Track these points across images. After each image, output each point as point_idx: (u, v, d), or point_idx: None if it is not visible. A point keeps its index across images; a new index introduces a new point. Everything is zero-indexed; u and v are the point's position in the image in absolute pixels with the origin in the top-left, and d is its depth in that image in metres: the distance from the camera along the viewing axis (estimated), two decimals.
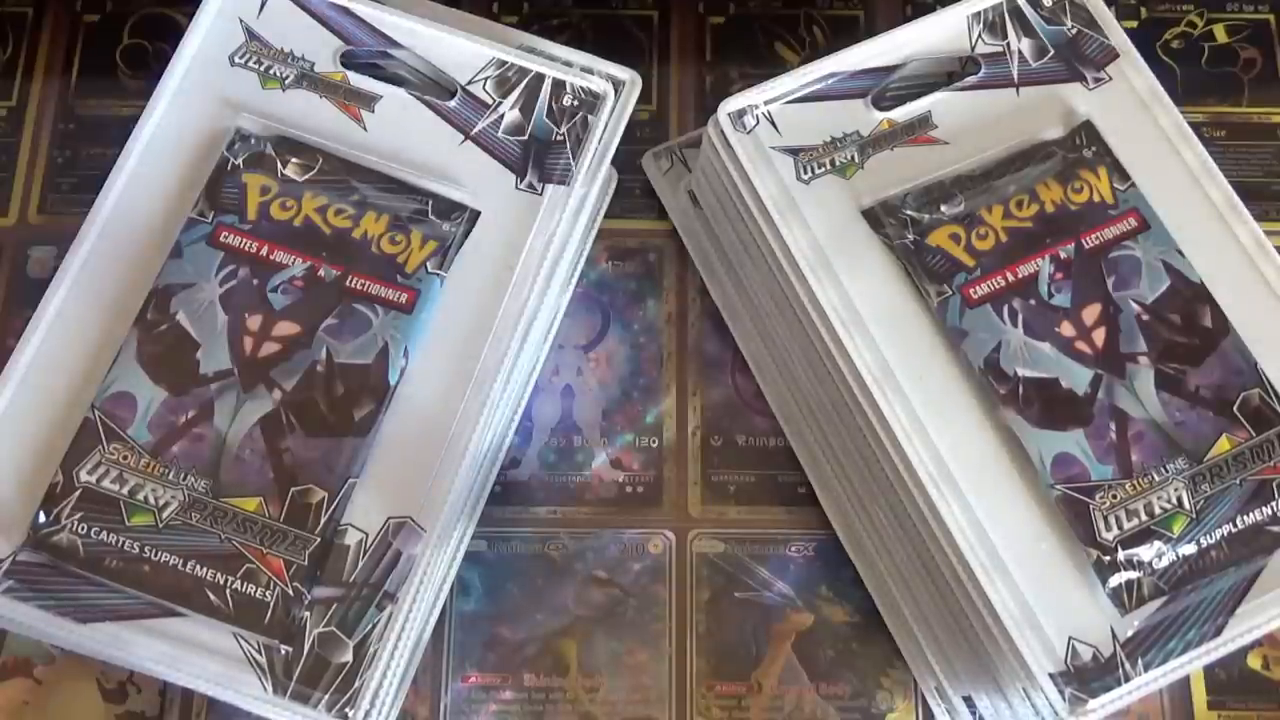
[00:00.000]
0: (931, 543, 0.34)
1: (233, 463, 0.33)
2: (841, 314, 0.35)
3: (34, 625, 0.32)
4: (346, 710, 0.31)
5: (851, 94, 0.37)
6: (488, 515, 0.41)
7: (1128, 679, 0.32)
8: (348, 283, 0.34)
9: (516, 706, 0.40)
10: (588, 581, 0.41)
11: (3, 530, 0.32)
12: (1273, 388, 0.34)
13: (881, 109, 0.37)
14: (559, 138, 0.37)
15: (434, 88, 0.38)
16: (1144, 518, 0.32)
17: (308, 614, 0.32)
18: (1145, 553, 0.32)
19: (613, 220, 0.45)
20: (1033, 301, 0.35)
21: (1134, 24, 0.48)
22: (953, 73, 0.39)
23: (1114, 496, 0.33)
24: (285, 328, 0.34)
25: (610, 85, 0.37)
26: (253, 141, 0.36)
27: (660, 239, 0.45)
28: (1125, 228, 0.35)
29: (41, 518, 0.32)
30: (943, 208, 0.36)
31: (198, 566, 0.32)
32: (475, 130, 0.37)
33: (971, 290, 0.35)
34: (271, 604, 0.32)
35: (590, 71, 0.38)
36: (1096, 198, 0.36)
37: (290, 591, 0.32)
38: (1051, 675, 0.32)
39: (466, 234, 0.35)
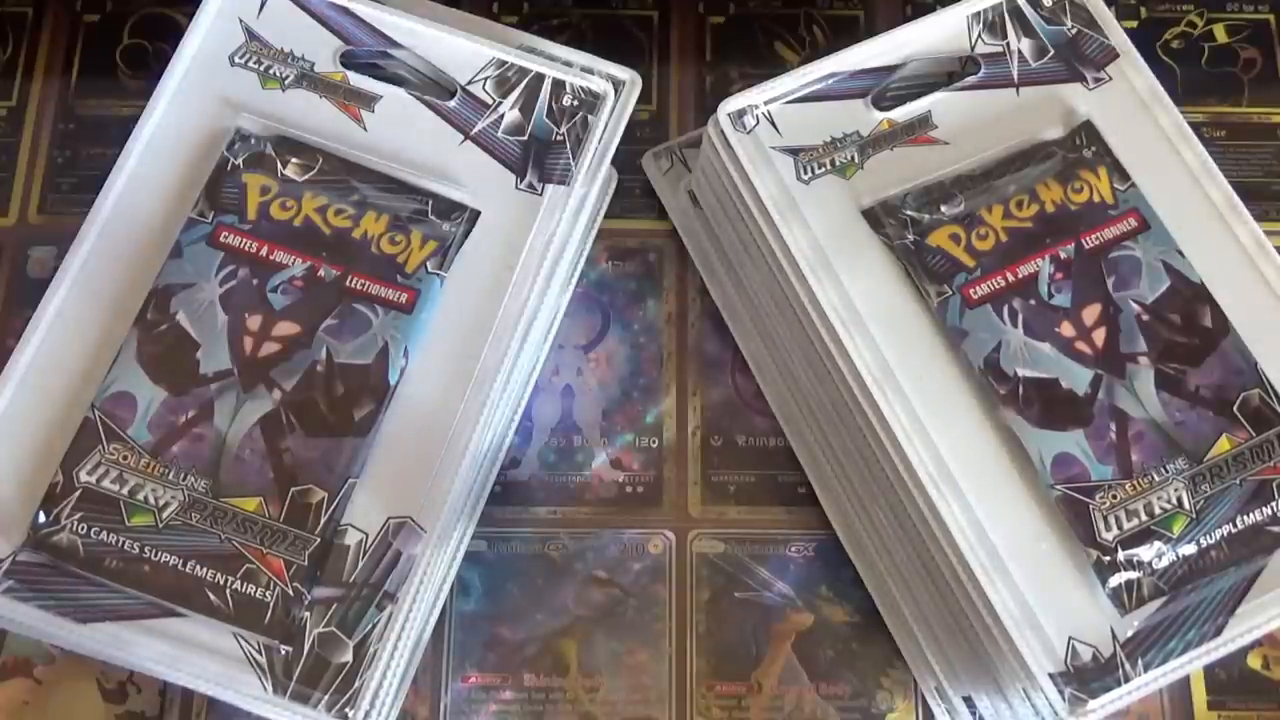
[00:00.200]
0: (931, 543, 0.34)
1: (233, 463, 0.33)
2: (841, 314, 0.35)
3: (34, 625, 0.32)
4: (346, 710, 0.31)
5: (851, 94, 0.37)
6: (488, 515, 0.41)
7: (1128, 679, 0.32)
8: (348, 283, 0.34)
9: (516, 706, 0.40)
10: (588, 581, 0.41)
11: (3, 530, 0.32)
12: (1273, 388, 0.34)
13: (881, 109, 0.37)
14: (559, 138, 0.37)
15: (434, 88, 0.38)
16: (1144, 518, 0.32)
17: (308, 614, 0.32)
18: (1145, 553, 0.32)
19: (613, 220, 0.45)
20: (1033, 301, 0.35)
21: (1134, 24, 0.48)
22: (953, 73, 0.39)
23: (1114, 496, 0.33)
24: (285, 328, 0.34)
25: (610, 85, 0.37)
26: (253, 141, 0.36)
27: (660, 239, 0.45)
28: (1125, 228, 0.35)
29: (41, 518, 0.32)
30: (943, 208, 0.36)
31: (198, 566, 0.32)
32: (475, 130, 0.37)
33: (971, 290, 0.35)
34: (271, 604, 0.32)
35: (590, 71, 0.38)
36: (1096, 198, 0.36)
37: (290, 591, 0.32)
38: (1051, 675, 0.32)
39: (466, 234, 0.35)
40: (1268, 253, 0.35)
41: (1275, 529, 0.33)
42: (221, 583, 0.32)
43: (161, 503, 0.32)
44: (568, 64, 0.38)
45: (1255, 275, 0.35)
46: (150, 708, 0.40)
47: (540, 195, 0.36)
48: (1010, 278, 0.35)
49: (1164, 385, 0.34)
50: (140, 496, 0.32)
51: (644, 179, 0.45)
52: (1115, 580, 0.32)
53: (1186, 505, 0.33)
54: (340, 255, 0.35)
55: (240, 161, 0.35)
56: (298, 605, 0.32)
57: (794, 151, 0.37)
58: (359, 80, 0.37)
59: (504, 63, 0.37)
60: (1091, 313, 0.35)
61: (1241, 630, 0.32)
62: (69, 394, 0.33)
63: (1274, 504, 0.33)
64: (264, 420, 0.33)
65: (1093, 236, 0.35)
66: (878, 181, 0.36)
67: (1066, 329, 0.34)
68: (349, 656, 0.32)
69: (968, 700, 0.39)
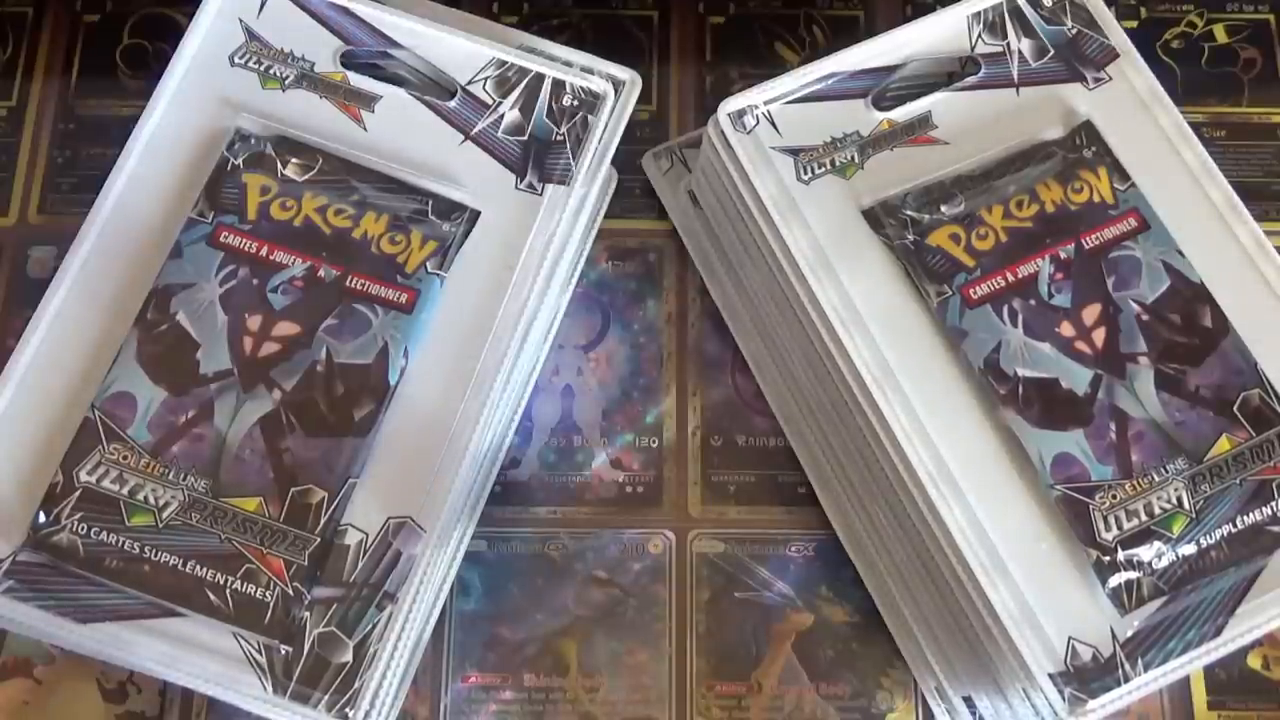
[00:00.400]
0: (931, 543, 0.34)
1: (233, 463, 0.33)
2: (841, 314, 0.35)
3: (34, 625, 0.32)
4: (346, 710, 0.31)
5: (851, 94, 0.37)
6: (488, 515, 0.41)
7: (1127, 679, 0.32)
8: (348, 283, 0.34)
9: (516, 706, 0.40)
10: (588, 581, 0.41)
11: (3, 530, 0.32)
12: (1273, 388, 0.34)
13: (881, 109, 0.37)
14: (559, 138, 0.37)
15: (434, 88, 0.38)
16: (1144, 518, 0.32)
17: (308, 614, 0.32)
18: (1145, 553, 0.32)
19: (613, 220, 0.45)
20: (1033, 301, 0.35)
21: (1134, 24, 0.48)
22: (953, 73, 0.39)
23: (1114, 497, 0.33)
24: (285, 328, 0.34)
25: (610, 85, 0.37)
26: (253, 141, 0.36)
27: (660, 239, 0.45)
28: (1125, 228, 0.35)
29: (41, 518, 0.32)
30: (943, 208, 0.36)
31: (198, 566, 0.32)
32: (475, 130, 0.37)
33: (971, 290, 0.35)
34: (271, 604, 0.32)
35: (590, 71, 0.38)
36: (1096, 198, 0.36)
37: (290, 591, 0.32)
38: (1051, 675, 0.32)
39: (466, 234, 0.35)
40: (1268, 253, 0.35)
41: (1275, 529, 0.33)
42: (221, 583, 0.32)
43: (161, 503, 0.32)
44: (568, 64, 0.38)
45: (1255, 275, 0.35)
46: (150, 708, 0.40)
47: (540, 195, 0.36)
48: (1010, 278, 0.35)
49: (1164, 385, 0.34)
50: (140, 496, 0.32)
51: (644, 179, 0.45)
52: (1115, 580, 0.32)
53: (1186, 505, 0.33)
54: (340, 255, 0.35)
55: (240, 161, 0.35)
56: (298, 605, 0.32)
57: (794, 151, 0.37)
58: (359, 80, 0.37)
59: (504, 63, 0.37)
60: (1091, 313, 0.35)
61: (1241, 630, 0.32)
62: (69, 394, 0.33)
63: (1274, 504, 0.33)
64: (264, 420, 0.33)
65: (1093, 236, 0.35)
66: (878, 181, 0.36)
67: (1066, 329, 0.34)
68: (349, 656, 0.32)
69: (968, 700, 0.39)
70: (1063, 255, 0.35)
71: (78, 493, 0.32)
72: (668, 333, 0.44)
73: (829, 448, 0.40)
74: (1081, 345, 0.34)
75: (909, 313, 0.35)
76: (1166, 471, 0.33)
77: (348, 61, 0.37)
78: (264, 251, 0.35)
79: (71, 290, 0.34)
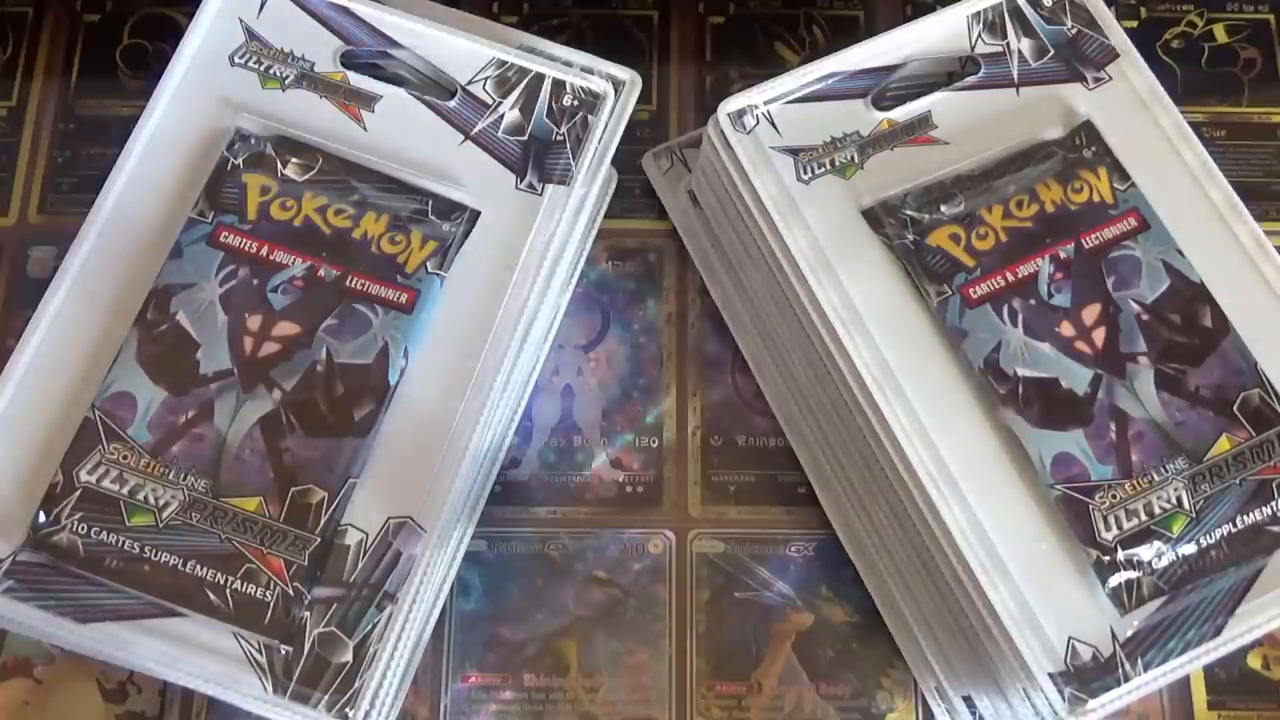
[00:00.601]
0: (931, 543, 0.34)
1: (233, 463, 0.33)
2: (841, 314, 0.35)
3: (34, 625, 0.32)
4: (346, 710, 0.31)
5: (851, 94, 0.37)
6: (488, 515, 0.41)
7: (1127, 679, 0.32)
8: (348, 283, 0.34)
9: (516, 706, 0.40)
10: (588, 581, 0.41)
11: (3, 530, 0.32)
12: (1273, 388, 0.34)
13: (881, 109, 0.37)
14: (559, 138, 0.37)
15: (434, 88, 0.38)
16: (1144, 518, 0.32)
17: (308, 614, 0.32)
18: (1145, 553, 0.32)
19: (613, 220, 0.45)
20: (1033, 301, 0.35)
21: (1134, 24, 0.48)
22: (953, 73, 0.39)
23: (1114, 496, 0.33)
24: (285, 328, 0.34)
25: (610, 85, 0.37)
26: (253, 141, 0.36)
27: (660, 239, 0.45)
28: (1125, 228, 0.35)
29: (41, 518, 0.32)
30: (943, 208, 0.36)
31: (198, 566, 0.32)
32: (475, 130, 0.37)
33: (971, 290, 0.35)
34: (271, 604, 0.32)
35: (590, 71, 0.38)
36: (1096, 198, 0.36)
37: (290, 591, 0.32)
38: (1051, 675, 0.32)
39: (466, 234, 0.35)
40: (1268, 253, 0.35)
41: (1275, 529, 0.33)
42: (221, 582, 0.32)
43: (161, 503, 0.32)
44: (568, 64, 0.38)
45: (1255, 275, 0.35)
46: (150, 708, 0.40)
47: (540, 195, 0.36)
48: (1010, 277, 0.35)
49: (1164, 385, 0.34)
50: (140, 496, 0.32)
51: (644, 179, 0.45)
52: (1115, 580, 0.32)
53: (1186, 505, 0.33)
54: (340, 255, 0.35)
55: (240, 161, 0.35)
56: (298, 605, 0.32)
57: (794, 151, 0.37)
58: (359, 80, 0.37)
59: (504, 63, 0.37)
60: (1091, 312, 0.35)
61: (1241, 630, 0.32)
62: (69, 394, 0.33)
63: (1274, 504, 0.33)
64: (264, 420, 0.33)
65: (1093, 236, 0.35)
66: (878, 181, 0.36)
67: (1066, 329, 0.34)
68: (349, 656, 0.32)
69: (968, 700, 0.39)
70: (1063, 255, 0.35)
71: (78, 493, 0.32)
72: (668, 333, 0.44)
73: (829, 448, 0.40)
74: (1081, 345, 0.34)
75: (909, 313, 0.35)
76: (1166, 471, 0.33)
77: (348, 61, 0.37)
78: (264, 251, 0.35)
79: (71, 290, 0.34)
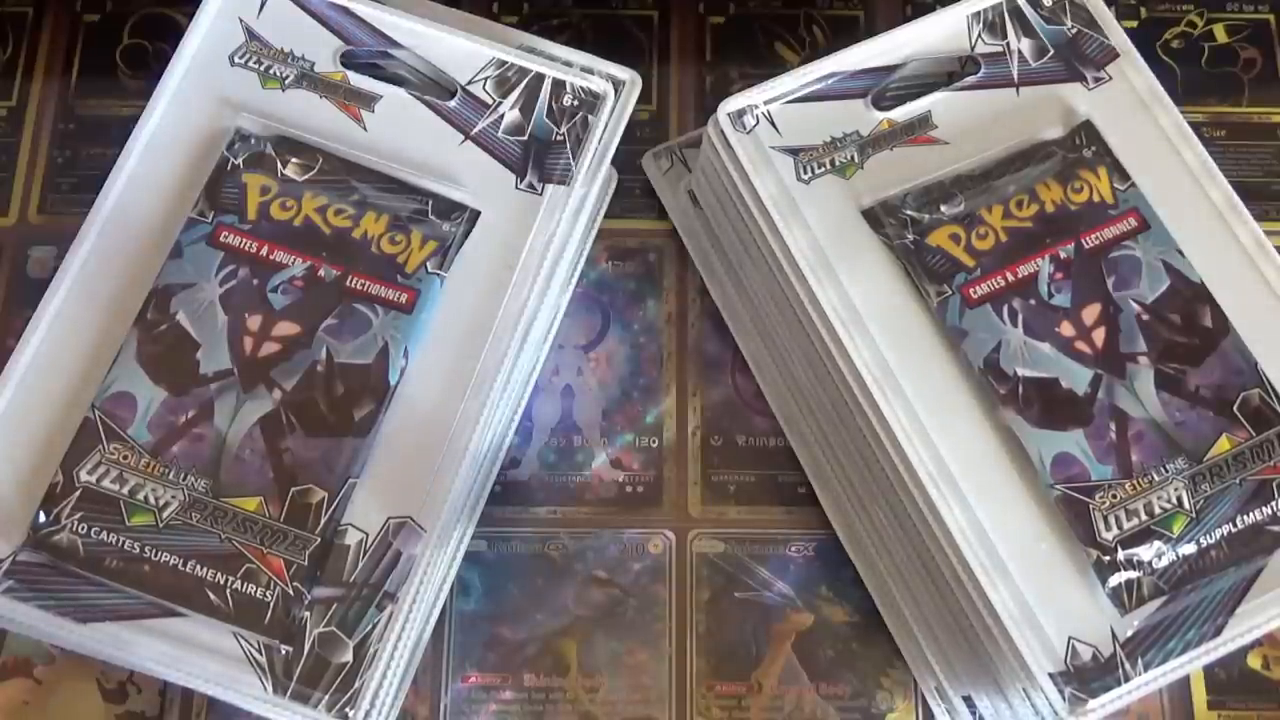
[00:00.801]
0: (931, 543, 0.34)
1: (233, 463, 0.33)
2: (841, 314, 0.35)
3: (34, 625, 0.32)
4: (347, 710, 0.31)
5: (851, 94, 0.37)
6: (488, 515, 0.41)
7: (1127, 679, 0.32)
8: (348, 283, 0.34)
9: (516, 706, 0.40)
10: (588, 581, 0.41)
11: (3, 530, 0.32)
12: (1273, 388, 0.34)
13: (881, 109, 0.37)
14: (559, 138, 0.37)
15: (434, 88, 0.38)
16: (1144, 518, 0.32)
17: (308, 614, 0.32)
18: (1145, 553, 0.32)
19: (613, 220, 0.45)
20: (1033, 301, 0.35)
21: (1134, 24, 0.48)
22: (953, 73, 0.39)
23: (1114, 496, 0.33)
24: (285, 328, 0.34)
25: (610, 85, 0.37)
26: (253, 141, 0.36)
27: (660, 239, 0.45)
28: (1125, 228, 0.35)
29: (41, 518, 0.32)
30: (943, 208, 0.36)
31: (198, 566, 0.32)
32: (475, 130, 0.37)
33: (971, 290, 0.35)
34: (271, 604, 0.32)
35: (590, 71, 0.38)
36: (1096, 198, 0.36)
37: (290, 591, 0.32)
38: (1051, 675, 0.32)
39: (466, 234, 0.35)
40: (1268, 253, 0.35)
41: (1275, 529, 0.33)
42: (221, 582, 0.32)
43: (161, 502, 0.32)
44: (568, 64, 0.38)
45: (1255, 275, 0.35)
46: (150, 708, 0.40)
47: (540, 195, 0.36)
48: (1010, 277, 0.35)
49: (1164, 385, 0.34)
50: (140, 496, 0.32)
51: (644, 179, 0.45)
52: (1115, 580, 0.32)
53: (1186, 505, 0.33)
54: (340, 255, 0.35)
55: (240, 161, 0.35)
56: (298, 605, 0.32)
57: (794, 151, 0.37)
58: (359, 80, 0.37)
59: (504, 63, 0.37)
60: (1091, 312, 0.35)
61: (1241, 630, 0.32)
62: (69, 394, 0.33)
63: (1274, 504, 0.33)
64: (264, 420, 0.33)
65: (1093, 236, 0.35)
66: (878, 181, 0.36)
67: (1066, 329, 0.34)
68: (349, 656, 0.32)
69: (968, 700, 0.39)
70: (1063, 255, 0.35)
71: (78, 492, 0.32)
72: (668, 333, 0.44)
73: (829, 448, 0.40)
74: (1081, 345, 0.34)
75: (909, 313, 0.35)
76: (1166, 471, 0.33)
77: (348, 61, 0.37)
78: (264, 251, 0.35)
79: (71, 290, 0.34)
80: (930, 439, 0.34)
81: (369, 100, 0.37)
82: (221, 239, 0.35)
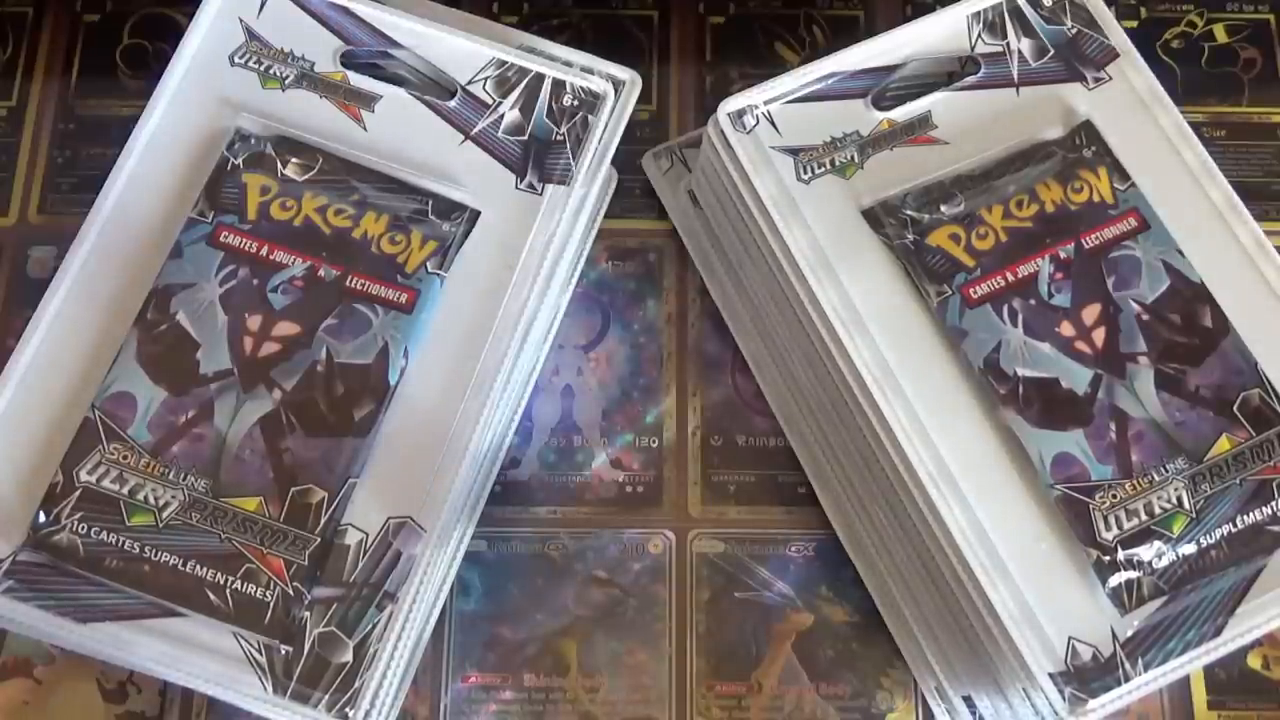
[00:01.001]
0: (931, 543, 0.34)
1: (233, 463, 0.33)
2: (841, 314, 0.35)
3: (34, 625, 0.32)
4: (347, 710, 0.31)
5: (851, 94, 0.37)
6: (488, 515, 0.41)
7: (1128, 679, 0.32)
8: (348, 283, 0.34)
9: (516, 706, 0.40)
10: (588, 581, 0.41)
11: (3, 530, 0.32)
12: (1273, 388, 0.34)
13: (881, 109, 0.37)
14: (559, 138, 0.37)
15: (434, 88, 0.38)
16: (1144, 518, 0.32)
17: (308, 614, 0.32)
18: (1145, 553, 0.32)
19: (613, 220, 0.45)
20: (1033, 301, 0.35)
21: (1134, 24, 0.48)
22: (953, 73, 0.39)
23: (1114, 496, 0.33)
24: (285, 328, 0.34)
25: (610, 85, 0.37)
26: (253, 141, 0.36)
27: (660, 239, 0.45)
28: (1125, 228, 0.35)
29: (41, 518, 0.32)
30: (943, 208, 0.36)
31: (198, 566, 0.32)
32: (475, 130, 0.37)
33: (971, 290, 0.35)
34: (271, 604, 0.32)
35: (590, 71, 0.38)
36: (1096, 198, 0.36)
37: (290, 591, 0.32)
38: (1051, 675, 0.32)
39: (466, 234, 0.35)
40: (1268, 253, 0.35)
41: (1275, 529, 0.33)
42: (221, 582, 0.32)
43: (161, 502, 0.32)
44: (568, 64, 0.38)
45: (1255, 275, 0.35)
46: (150, 708, 0.40)
47: (540, 195, 0.36)
48: (1010, 277, 0.35)
49: (1164, 385, 0.34)
50: (140, 496, 0.32)
51: (644, 179, 0.45)
52: (1115, 580, 0.32)
53: (1186, 505, 0.33)
54: (340, 255, 0.35)
55: (240, 161, 0.35)
56: (298, 605, 0.32)
57: (794, 151, 0.37)
58: (359, 80, 0.37)
59: (504, 63, 0.37)
60: (1091, 312, 0.35)
61: (1241, 630, 0.32)
62: (69, 394, 0.33)
63: (1274, 504, 0.33)
64: (264, 420, 0.33)
65: (1093, 236, 0.35)
66: (878, 181, 0.36)
67: (1066, 329, 0.34)
68: (349, 656, 0.32)
69: (968, 700, 0.39)
70: (1063, 255, 0.35)
71: (78, 492, 0.32)
72: (668, 333, 0.44)
73: (829, 448, 0.40)
74: (1081, 345, 0.34)
75: (909, 313, 0.35)
76: (1166, 471, 0.33)
77: (348, 61, 0.37)
78: (264, 251, 0.35)
79: (71, 290, 0.34)
80: (930, 439, 0.34)
81: (369, 100, 0.37)
82: (221, 239, 0.35)
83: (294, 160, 0.36)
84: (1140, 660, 0.32)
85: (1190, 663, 0.32)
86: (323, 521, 0.32)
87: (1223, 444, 0.33)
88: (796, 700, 0.40)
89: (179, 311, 0.34)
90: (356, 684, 0.32)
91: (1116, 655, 0.32)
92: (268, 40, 0.37)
